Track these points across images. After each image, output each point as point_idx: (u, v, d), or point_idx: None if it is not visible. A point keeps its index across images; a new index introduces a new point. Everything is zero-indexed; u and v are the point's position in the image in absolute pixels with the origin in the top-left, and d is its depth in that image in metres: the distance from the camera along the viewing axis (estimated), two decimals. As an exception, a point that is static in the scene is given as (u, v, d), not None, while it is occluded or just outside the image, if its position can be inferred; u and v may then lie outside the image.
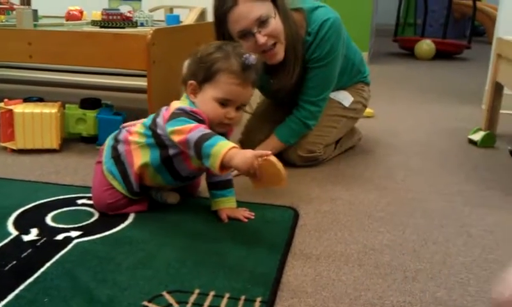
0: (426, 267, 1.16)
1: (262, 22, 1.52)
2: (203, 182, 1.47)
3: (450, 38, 5.48)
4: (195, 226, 1.30)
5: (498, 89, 2.17)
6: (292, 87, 1.70)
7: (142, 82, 1.94)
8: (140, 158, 1.32)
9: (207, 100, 1.25)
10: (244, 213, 1.36)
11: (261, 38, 1.53)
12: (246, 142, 1.85)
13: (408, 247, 1.25)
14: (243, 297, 0.99)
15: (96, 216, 1.32)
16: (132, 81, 2.59)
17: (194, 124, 1.18)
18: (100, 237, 1.22)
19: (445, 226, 1.38)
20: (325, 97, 1.75)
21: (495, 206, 1.52)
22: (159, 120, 1.29)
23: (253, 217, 1.35)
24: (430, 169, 1.83)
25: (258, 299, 0.98)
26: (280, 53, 1.60)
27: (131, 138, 1.34)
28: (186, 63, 1.30)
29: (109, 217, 1.31)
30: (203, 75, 1.25)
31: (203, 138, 1.14)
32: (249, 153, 1.11)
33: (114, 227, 1.27)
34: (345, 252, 1.22)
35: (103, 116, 1.88)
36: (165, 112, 1.29)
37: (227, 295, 0.99)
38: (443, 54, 5.12)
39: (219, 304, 0.97)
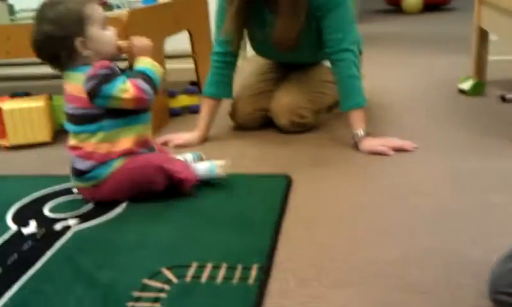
0: (418, 219, 1.18)
1: None
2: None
3: (437, -11, 5.41)
4: (188, 204, 1.31)
5: (483, 35, 2.16)
6: (297, 37, 1.64)
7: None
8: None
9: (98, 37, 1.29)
10: None
11: None
12: (234, 115, 1.87)
13: (399, 201, 1.27)
14: (240, 266, 1.01)
15: (92, 203, 1.34)
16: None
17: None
18: (98, 223, 1.24)
19: (436, 177, 1.39)
20: (353, 40, 1.64)
21: (485, 152, 1.54)
22: None
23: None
24: (421, 123, 1.84)
25: (255, 266, 1.01)
26: None
27: None
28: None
29: (104, 203, 1.32)
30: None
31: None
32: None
33: (110, 212, 1.29)
34: (338, 213, 1.24)
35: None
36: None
37: (224, 265, 1.02)
38: (431, 7, 5.07)
39: (216, 274, 0.99)
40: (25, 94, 1.95)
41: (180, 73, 2.45)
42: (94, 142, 1.28)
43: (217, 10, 1.75)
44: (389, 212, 1.22)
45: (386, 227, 1.15)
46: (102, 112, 1.27)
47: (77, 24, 1.26)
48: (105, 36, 1.32)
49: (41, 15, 1.28)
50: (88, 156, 1.29)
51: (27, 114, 1.79)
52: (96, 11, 1.32)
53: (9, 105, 1.79)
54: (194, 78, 2.41)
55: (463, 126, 1.78)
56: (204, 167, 1.39)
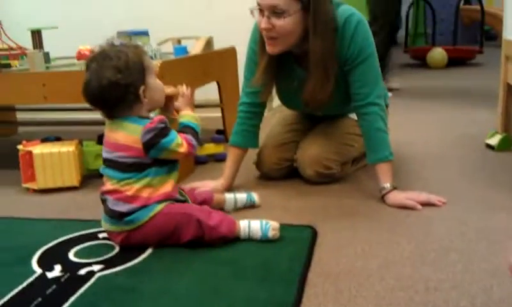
0: (448, 276, 1.15)
1: (275, 12, 1.51)
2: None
3: (462, 45, 5.46)
4: (212, 253, 1.30)
5: (510, 91, 2.15)
6: (327, 99, 1.64)
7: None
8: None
9: (154, 86, 1.37)
10: None
11: (263, 23, 1.53)
12: (259, 165, 1.88)
13: (428, 257, 1.24)
14: (264, 319, 0.99)
15: (117, 249, 1.34)
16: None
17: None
18: (122, 269, 1.24)
19: (466, 233, 1.36)
20: (379, 94, 1.64)
21: (515, 209, 1.51)
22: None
23: None
24: (448, 178, 1.82)
25: (280, 320, 0.99)
26: (275, 48, 1.58)
27: None
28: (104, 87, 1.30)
29: (129, 249, 1.33)
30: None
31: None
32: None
33: (135, 258, 1.29)
34: (366, 267, 1.21)
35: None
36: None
37: (248, 317, 1.00)
38: (455, 61, 5.09)
39: (240, 327, 0.97)
40: (56, 139, 2.00)
41: (207, 121, 2.49)
42: (137, 187, 1.31)
43: (246, 62, 1.79)
44: (417, 267, 1.19)
45: (414, 283, 1.12)
46: (151, 161, 1.32)
47: (140, 73, 1.32)
48: (160, 84, 1.40)
49: (102, 62, 1.30)
50: (129, 200, 1.30)
51: (57, 158, 1.83)
52: (151, 61, 1.40)
53: (39, 149, 1.83)
54: (220, 126, 2.44)
55: (492, 181, 1.75)
56: (256, 226, 1.35)
